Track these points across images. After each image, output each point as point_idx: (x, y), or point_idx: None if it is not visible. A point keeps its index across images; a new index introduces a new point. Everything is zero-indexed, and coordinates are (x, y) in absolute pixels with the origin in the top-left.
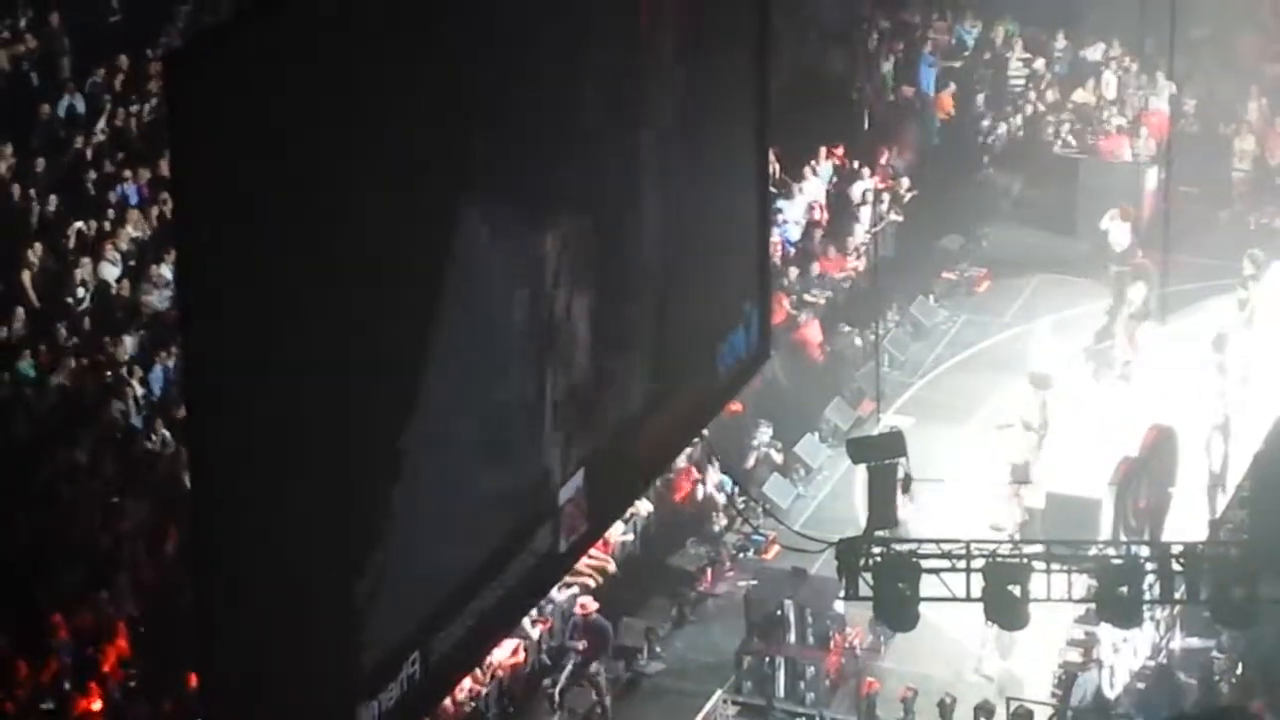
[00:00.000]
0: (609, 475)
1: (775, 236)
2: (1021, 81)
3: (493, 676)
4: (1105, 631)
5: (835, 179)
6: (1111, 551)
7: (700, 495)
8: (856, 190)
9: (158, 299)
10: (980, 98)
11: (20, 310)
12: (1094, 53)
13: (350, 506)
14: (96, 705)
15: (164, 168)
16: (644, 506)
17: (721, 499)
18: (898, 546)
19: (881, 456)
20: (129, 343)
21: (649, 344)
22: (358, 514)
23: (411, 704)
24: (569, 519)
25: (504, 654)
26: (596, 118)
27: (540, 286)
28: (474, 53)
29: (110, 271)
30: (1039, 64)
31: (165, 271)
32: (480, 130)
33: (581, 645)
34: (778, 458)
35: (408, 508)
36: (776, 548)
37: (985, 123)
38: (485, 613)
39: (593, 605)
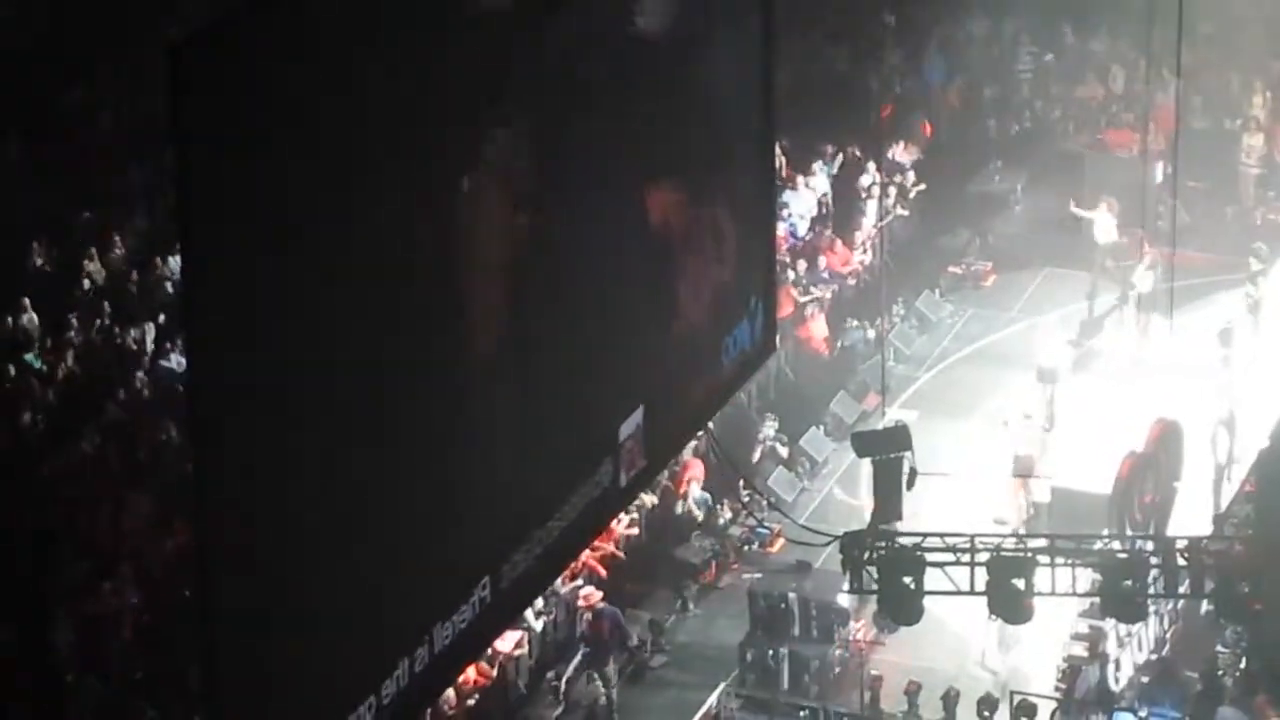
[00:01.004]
0: (665, 415)
1: (781, 231)
2: (1029, 76)
3: (497, 669)
4: (1110, 625)
5: (840, 173)
6: (1116, 546)
7: (679, 509)
8: (863, 185)
9: (164, 290)
10: (987, 92)
11: (27, 301)
12: (1100, 47)
13: (421, 437)
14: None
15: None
16: (649, 499)
17: (700, 514)
18: (902, 540)
19: (886, 450)
20: (136, 334)
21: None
22: (428, 443)
23: (483, 626)
24: (628, 454)
25: (507, 646)
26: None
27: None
28: (476, 42)
29: (117, 262)
30: (1047, 59)
31: (172, 262)
32: (488, 117)
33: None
34: (783, 451)
35: (480, 434)
36: (781, 541)
37: (991, 120)
38: (550, 543)
39: (596, 596)
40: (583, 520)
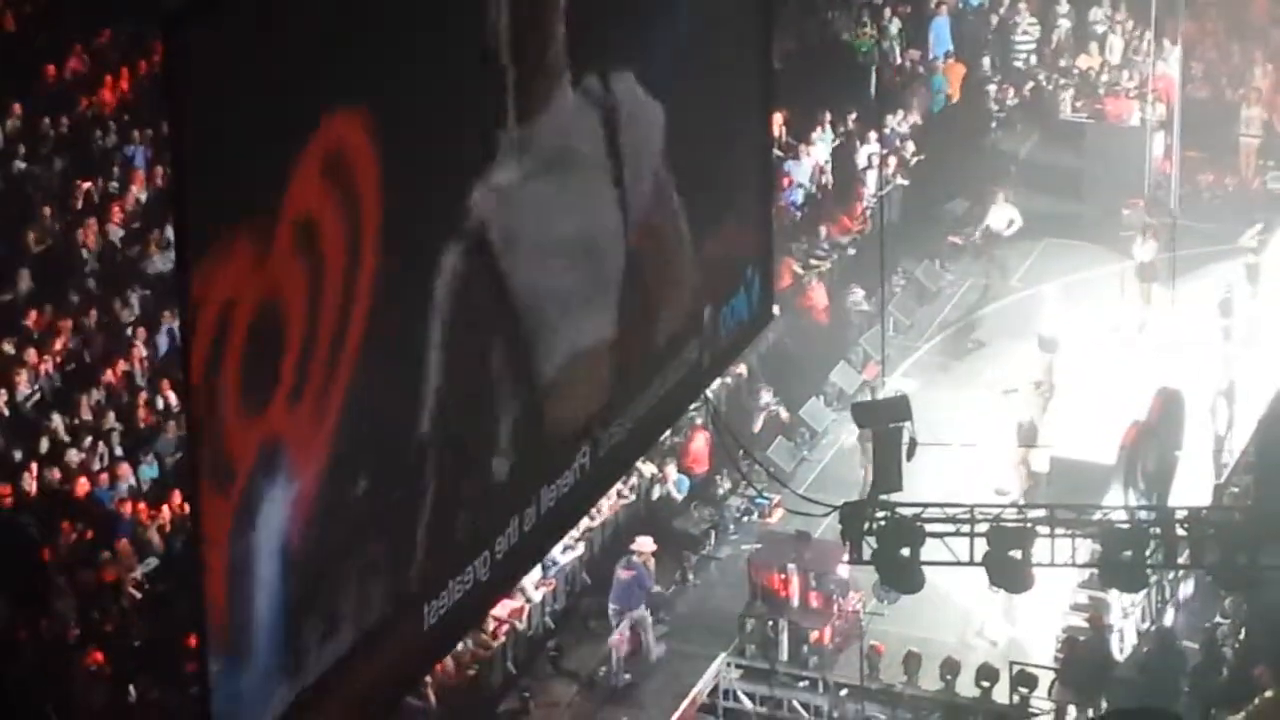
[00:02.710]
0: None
1: (781, 200)
2: (1030, 46)
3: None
4: (1114, 595)
5: (840, 143)
6: (1115, 516)
7: (657, 494)
8: (862, 154)
9: (162, 260)
10: (987, 61)
11: (26, 271)
12: (1099, 16)
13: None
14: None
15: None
16: (648, 468)
17: (679, 496)
18: (901, 511)
19: (886, 420)
20: (134, 304)
21: None
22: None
23: (582, 492)
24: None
25: (505, 614)
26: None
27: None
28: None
29: (116, 232)
30: (1060, 23)
31: (170, 233)
32: (490, 93)
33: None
34: (784, 416)
35: (577, 308)
36: (780, 511)
37: (992, 86)
38: (642, 417)
39: (650, 546)
40: (671, 396)
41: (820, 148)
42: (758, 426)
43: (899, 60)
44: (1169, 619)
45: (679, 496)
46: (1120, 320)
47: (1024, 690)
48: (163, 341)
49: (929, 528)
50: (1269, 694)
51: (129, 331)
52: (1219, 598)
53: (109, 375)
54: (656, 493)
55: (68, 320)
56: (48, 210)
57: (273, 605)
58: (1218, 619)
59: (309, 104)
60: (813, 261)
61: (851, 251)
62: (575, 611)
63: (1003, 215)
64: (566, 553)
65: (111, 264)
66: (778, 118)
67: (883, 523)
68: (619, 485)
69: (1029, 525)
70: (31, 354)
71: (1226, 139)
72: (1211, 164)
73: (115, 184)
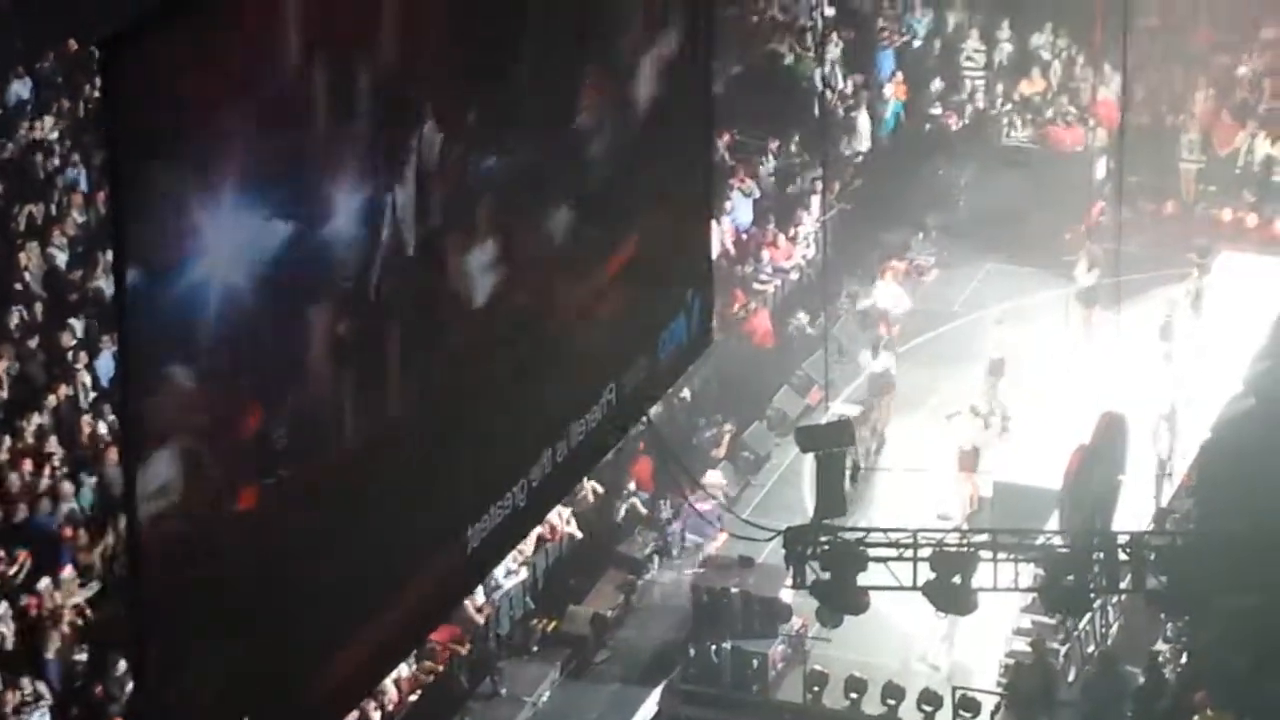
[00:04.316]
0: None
1: (727, 224)
2: (978, 72)
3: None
4: (1058, 620)
5: (783, 167)
6: (1058, 541)
7: (623, 512)
8: (806, 179)
9: (106, 284)
10: (932, 87)
11: None
12: (1042, 42)
13: None
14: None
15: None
16: (590, 489)
17: (645, 511)
18: (845, 535)
19: (829, 445)
20: (77, 328)
21: None
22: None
23: (608, 426)
24: None
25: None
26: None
27: None
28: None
29: (58, 257)
30: (1002, 46)
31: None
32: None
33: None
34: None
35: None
36: (724, 536)
37: (936, 111)
38: (667, 356)
39: (722, 481)
40: (678, 353)
41: (762, 172)
42: (722, 452)
43: (841, 85)
44: (1110, 642)
45: (645, 511)
46: (1063, 345)
47: (967, 715)
48: (105, 365)
49: (872, 552)
50: (1210, 713)
51: (71, 355)
52: (1161, 622)
53: (52, 399)
54: (622, 510)
55: (8, 344)
56: None
57: None
58: (1160, 643)
59: None
60: (756, 286)
61: (794, 276)
62: (518, 635)
63: (889, 294)
64: (509, 577)
65: (53, 287)
66: (721, 142)
67: (826, 547)
68: (565, 512)
69: (971, 550)
70: None
71: (1168, 164)
72: (1153, 189)
73: (57, 207)
